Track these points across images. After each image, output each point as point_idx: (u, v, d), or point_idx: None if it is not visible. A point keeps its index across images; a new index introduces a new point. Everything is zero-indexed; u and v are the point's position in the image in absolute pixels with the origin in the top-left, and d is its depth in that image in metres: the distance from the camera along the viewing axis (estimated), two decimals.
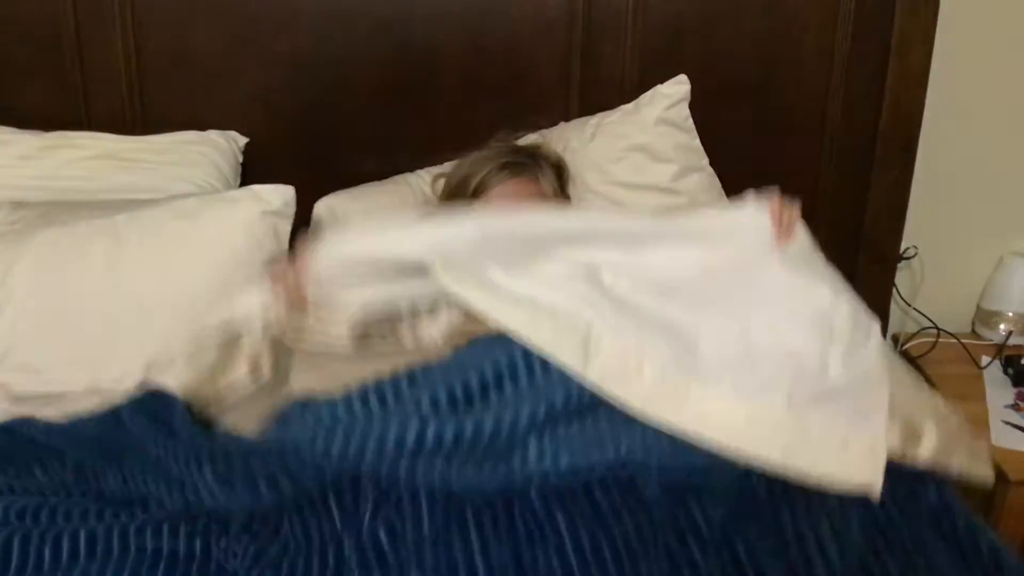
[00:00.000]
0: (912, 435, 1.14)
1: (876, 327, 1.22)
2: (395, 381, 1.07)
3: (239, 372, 1.22)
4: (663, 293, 1.19)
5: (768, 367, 1.13)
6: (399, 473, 1.01)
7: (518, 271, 1.18)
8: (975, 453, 1.17)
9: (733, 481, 1.08)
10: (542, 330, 1.11)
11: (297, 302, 1.22)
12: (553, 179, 1.55)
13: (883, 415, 1.13)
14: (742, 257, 1.22)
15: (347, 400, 1.04)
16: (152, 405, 1.17)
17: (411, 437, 1.00)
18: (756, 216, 1.25)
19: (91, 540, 1.03)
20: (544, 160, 1.56)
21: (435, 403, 1.04)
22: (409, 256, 1.17)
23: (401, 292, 1.22)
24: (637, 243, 1.23)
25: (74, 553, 1.02)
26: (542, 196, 1.51)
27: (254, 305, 1.22)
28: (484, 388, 1.07)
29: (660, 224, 1.27)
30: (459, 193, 1.53)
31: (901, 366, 1.24)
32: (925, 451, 1.13)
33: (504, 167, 1.50)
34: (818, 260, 1.26)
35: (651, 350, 1.12)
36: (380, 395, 1.05)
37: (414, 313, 1.22)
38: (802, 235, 1.27)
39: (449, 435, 1.01)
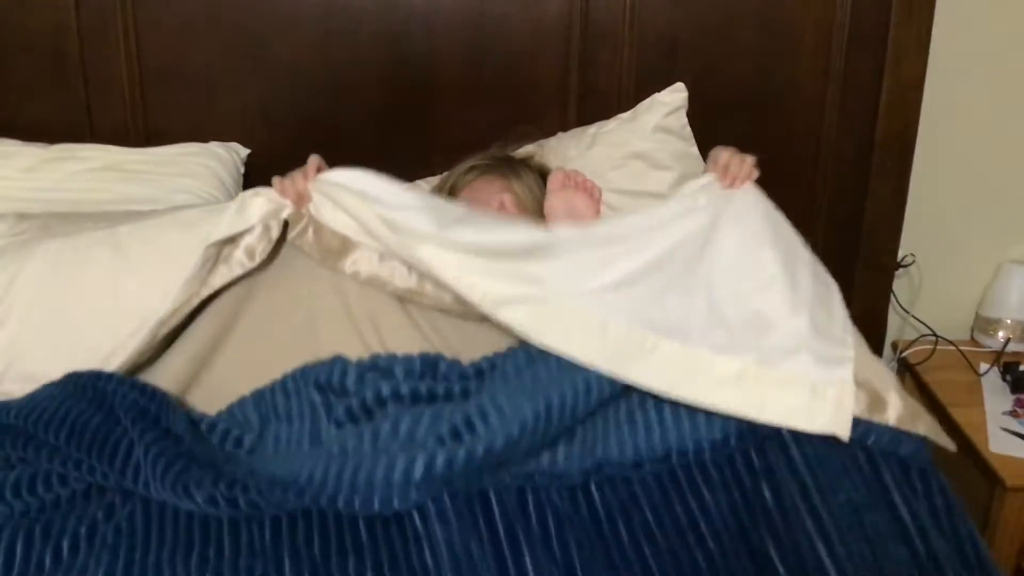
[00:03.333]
0: (877, 401, 1.14)
1: (835, 285, 1.27)
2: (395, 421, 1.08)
3: (236, 254, 1.26)
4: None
5: (736, 328, 1.17)
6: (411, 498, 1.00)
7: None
8: (934, 424, 1.17)
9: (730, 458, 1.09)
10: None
11: (300, 207, 1.26)
12: (532, 184, 1.55)
13: (849, 368, 1.15)
14: (697, 223, 1.26)
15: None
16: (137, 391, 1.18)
17: (419, 469, 1.00)
18: (706, 180, 1.30)
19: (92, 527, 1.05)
20: (522, 166, 1.58)
21: (439, 438, 1.04)
22: (401, 217, 1.20)
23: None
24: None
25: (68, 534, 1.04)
26: (512, 195, 1.51)
27: (261, 207, 1.25)
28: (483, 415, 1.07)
29: (623, 222, 1.30)
30: None
31: (858, 335, 1.25)
32: (891, 417, 1.13)
33: (471, 169, 1.55)
34: (774, 218, 1.30)
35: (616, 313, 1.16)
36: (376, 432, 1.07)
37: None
38: (755, 192, 1.30)
39: (460, 461, 1.01)
